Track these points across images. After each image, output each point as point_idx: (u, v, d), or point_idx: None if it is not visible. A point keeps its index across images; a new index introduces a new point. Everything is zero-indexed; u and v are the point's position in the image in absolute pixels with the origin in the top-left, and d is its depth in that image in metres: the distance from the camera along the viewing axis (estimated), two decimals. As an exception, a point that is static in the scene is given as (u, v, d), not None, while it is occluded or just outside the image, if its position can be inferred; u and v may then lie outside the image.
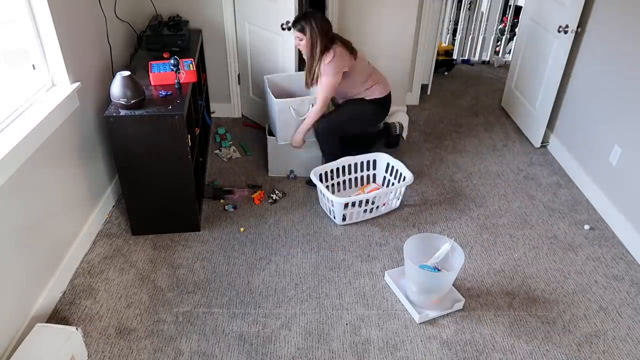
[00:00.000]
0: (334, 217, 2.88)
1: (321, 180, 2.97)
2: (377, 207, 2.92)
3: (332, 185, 3.09)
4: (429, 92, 4.70)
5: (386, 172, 3.14)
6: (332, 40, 2.94)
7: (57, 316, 2.27)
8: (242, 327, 2.25)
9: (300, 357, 2.13)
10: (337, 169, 3.06)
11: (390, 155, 3.11)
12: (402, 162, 3.04)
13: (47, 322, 2.22)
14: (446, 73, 5.21)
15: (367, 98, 3.12)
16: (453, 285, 2.42)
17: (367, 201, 2.85)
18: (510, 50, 5.70)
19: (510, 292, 2.48)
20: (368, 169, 3.16)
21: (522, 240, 2.84)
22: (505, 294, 2.47)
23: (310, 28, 2.85)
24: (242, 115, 4.13)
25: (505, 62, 5.59)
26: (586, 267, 2.65)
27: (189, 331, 2.23)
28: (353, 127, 3.22)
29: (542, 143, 3.79)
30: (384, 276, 2.55)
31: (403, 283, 2.44)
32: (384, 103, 3.19)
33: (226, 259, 2.64)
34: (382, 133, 3.55)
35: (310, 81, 3.04)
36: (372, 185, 3.12)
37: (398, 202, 3.02)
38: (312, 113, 3.01)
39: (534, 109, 3.81)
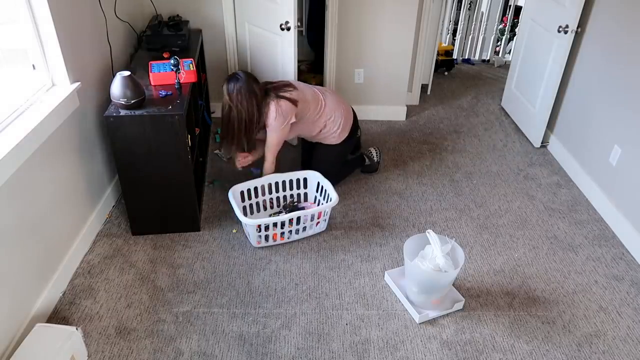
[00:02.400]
0: (249, 238, 2.73)
1: (243, 199, 2.83)
2: (304, 228, 2.74)
3: (258, 203, 2.90)
4: (429, 92, 4.70)
5: (317, 191, 2.96)
6: (267, 93, 2.77)
7: (57, 316, 2.27)
8: (242, 327, 2.25)
9: (300, 357, 2.13)
10: (263, 186, 2.87)
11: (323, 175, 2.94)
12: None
13: (47, 322, 2.22)
14: (446, 73, 5.21)
15: (334, 143, 3.06)
16: (453, 285, 2.42)
17: (288, 222, 2.68)
18: (510, 50, 5.71)
19: (510, 292, 2.48)
20: (299, 188, 2.99)
21: (522, 240, 2.84)
22: (505, 294, 2.47)
23: (237, 94, 2.68)
24: (242, 115, 4.13)
25: (505, 62, 5.59)
26: (586, 267, 2.65)
27: (189, 331, 2.23)
28: (341, 168, 3.24)
29: (542, 143, 3.79)
30: (384, 276, 2.55)
31: (403, 283, 2.44)
32: (351, 136, 3.13)
33: (226, 259, 2.64)
34: (357, 162, 3.37)
35: (249, 142, 2.84)
36: (306, 204, 2.97)
37: (325, 225, 2.83)
38: (267, 170, 2.90)
39: (534, 109, 3.81)
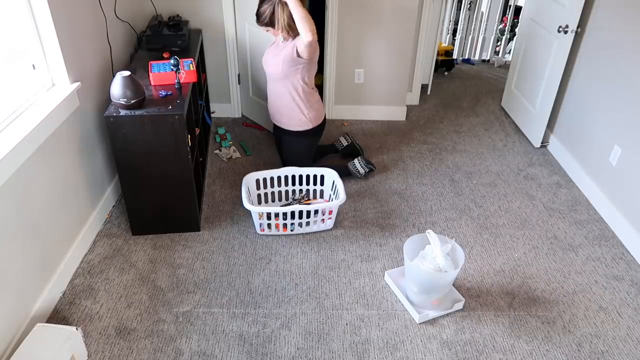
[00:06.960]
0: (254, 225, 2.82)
1: (258, 187, 2.95)
2: (307, 223, 2.78)
3: (273, 193, 3.00)
4: (429, 92, 4.70)
5: (331, 189, 3.00)
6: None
7: (57, 316, 2.27)
8: (242, 327, 2.25)
9: (300, 357, 2.13)
10: (279, 177, 2.98)
11: (338, 173, 2.97)
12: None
13: (47, 322, 2.22)
14: (446, 73, 5.21)
15: (303, 129, 3.10)
16: (453, 285, 2.42)
17: (290, 215, 2.73)
18: (510, 50, 5.71)
19: (510, 292, 2.48)
20: (315, 184, 3.04)
21: (522, 240, 2.84)
22: (505, 294, 2.47)
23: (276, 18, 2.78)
24: (242, 115, 4.14)
25: (505, 62, 5.59)
26: (586, 267, 2.65)
27: (189, 331, 2.23)
28: (306, 156, 3.25)
29: (542, 143, 3.79)
30: (384, 276, 2.55)
31: (403, 283, 2.44)
32: (318, 129, 3.17)
33: (226, 259, 2.64)
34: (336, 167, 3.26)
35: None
36: (318, 200, 3.00)
37: (332, 223, 2.85)
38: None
39: (534, 109, 3.81)
